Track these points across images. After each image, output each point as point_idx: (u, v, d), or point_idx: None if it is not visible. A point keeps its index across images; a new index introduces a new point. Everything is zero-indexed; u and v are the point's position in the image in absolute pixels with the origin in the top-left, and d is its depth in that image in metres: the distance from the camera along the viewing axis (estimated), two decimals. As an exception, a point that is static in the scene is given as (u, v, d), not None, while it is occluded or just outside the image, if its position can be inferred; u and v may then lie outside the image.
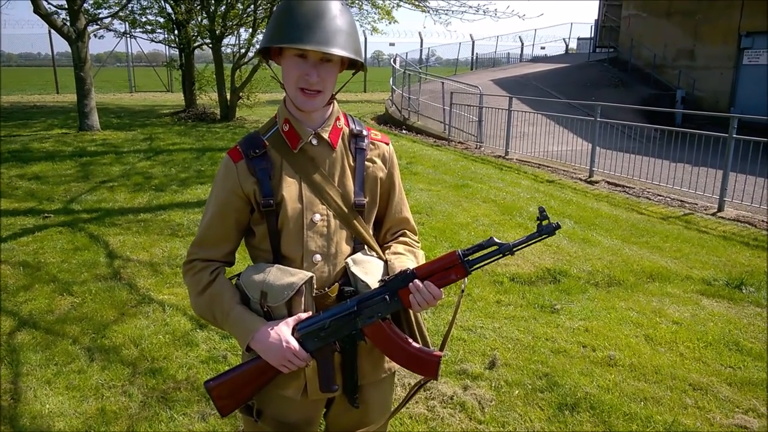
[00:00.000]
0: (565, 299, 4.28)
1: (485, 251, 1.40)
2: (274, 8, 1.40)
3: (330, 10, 1.36)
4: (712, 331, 3.79)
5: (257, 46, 14.24)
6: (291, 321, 1.40)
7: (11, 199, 6.47)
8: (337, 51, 1.34)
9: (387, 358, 1.56)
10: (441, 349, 1.46)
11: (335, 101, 1.51)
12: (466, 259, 1.40)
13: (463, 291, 1.47)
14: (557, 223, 1.41)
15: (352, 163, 1.51)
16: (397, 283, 1.40)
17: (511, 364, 3.29)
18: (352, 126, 1.54)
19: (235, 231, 1.49)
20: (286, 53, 1.39)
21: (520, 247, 1.40)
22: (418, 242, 1.65)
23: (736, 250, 5.57)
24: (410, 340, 1.44)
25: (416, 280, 1.38)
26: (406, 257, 1.52)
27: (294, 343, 1.38)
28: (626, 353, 3.46)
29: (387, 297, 1.40)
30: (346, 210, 1.48)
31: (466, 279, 1.42)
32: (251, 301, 1.43)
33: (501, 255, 1.40)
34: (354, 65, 1.49)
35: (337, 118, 1.51)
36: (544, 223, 1.39)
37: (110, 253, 4.90)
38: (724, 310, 4.17)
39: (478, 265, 1.41)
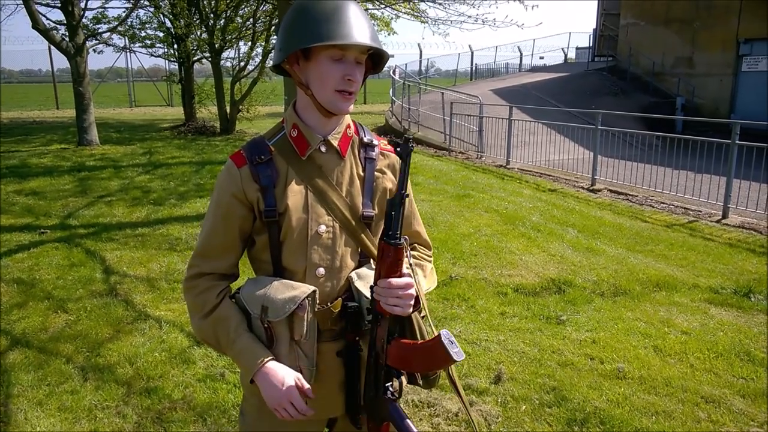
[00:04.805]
0: (571, 310, 4.19)
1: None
2: (288, 13, 1.34)
3: (351, 6, 1.31)
4: (723, 341, 3.70)
5: (257, 60, 14.44)
6: (301, 377, 1.34)
7: (8, 215, 6.40)
8: (381, 46, 1.33)
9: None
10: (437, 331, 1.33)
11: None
12: (390, 234, 1.27)
13: (411, 265, 1.33)
14: (410, 139, 1.26)
15: (361, 173, 1.44)
16: (371, 302, 1.34)
17: (517, 378, 3.20)
18: (361, 135, 1.48)
19: (238, 239, 1.42)
20: (319, 56, 1.31)
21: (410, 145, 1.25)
22: (430, 256, 1.57)
23: (742, 258, 5.48)
24: (411, 342, 1.36)
25: (374, 288, 1.31)
26: (411, 272, 1.43)
27: (296, 393, 1.30)
28: (635, 365, 3.37)
29: (369, 316, 1.35)
30: (353, 222, 1.41)
31: (408, 252, 1.31)
32: (252, 316, 1.36)
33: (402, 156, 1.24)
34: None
35: (348, 126, 1.45)
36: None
37: (107, 269, 4.82)
38: (733, 319, 4.08)
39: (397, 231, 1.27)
